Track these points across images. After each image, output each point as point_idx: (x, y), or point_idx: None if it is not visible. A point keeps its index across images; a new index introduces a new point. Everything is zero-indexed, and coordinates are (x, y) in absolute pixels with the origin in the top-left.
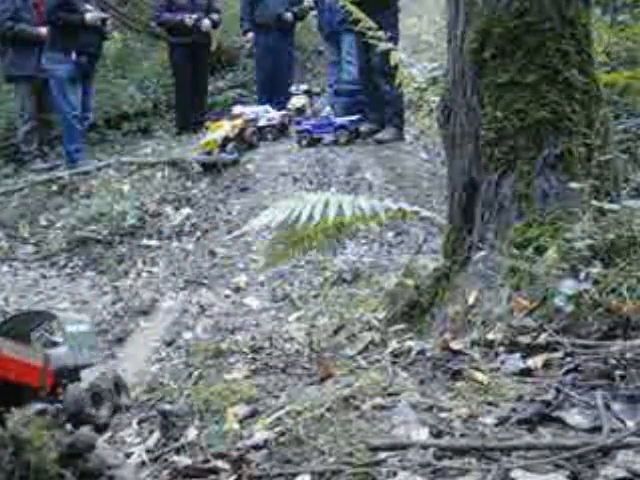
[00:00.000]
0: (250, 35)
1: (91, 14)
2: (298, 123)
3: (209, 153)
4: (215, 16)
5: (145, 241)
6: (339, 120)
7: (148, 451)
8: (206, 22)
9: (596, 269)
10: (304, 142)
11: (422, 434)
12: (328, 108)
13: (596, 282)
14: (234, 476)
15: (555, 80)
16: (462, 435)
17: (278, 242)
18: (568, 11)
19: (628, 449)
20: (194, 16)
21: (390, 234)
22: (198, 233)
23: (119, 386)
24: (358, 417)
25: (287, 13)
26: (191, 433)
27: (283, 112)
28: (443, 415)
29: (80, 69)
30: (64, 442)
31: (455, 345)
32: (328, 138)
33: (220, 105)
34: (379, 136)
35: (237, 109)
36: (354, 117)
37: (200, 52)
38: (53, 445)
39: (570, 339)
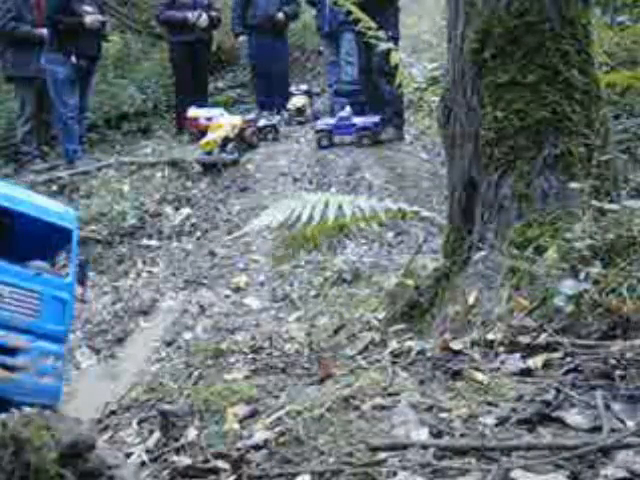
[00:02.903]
0: (242, 38)
1: (90, 17)
2: (316, 119)
3: (209, 153)
4: (215, 14)
5: (145, 241)
6: (361, 121)
7: (148, 451)
8: (204, 17)
9: (596, 269)
10: (325, 142)
11: (422, 434)
12: (348, 108)
13: (596, 282)
14: (234, 476)
15: (555, 80)
16: (462, 435)
17: (283, 244)
18: (568, 11)
19: (628, 449)
20: (196, 13)
21: (390, 234)
22: (198, 233)
23: None
24: (358, 417)
25: (279, 14)
26: (191, 433)
27: (248, 117)
28: (443, 415)
29: (79, 71)
30: (64, 442)
31: (455, 345)
32: (349, 139)
33: (220, 105)
34: (388, 136)
35: (192, 111)
36: (376, 118)
37: (200, 51)
38: (53, 445)
39: (570, 339)
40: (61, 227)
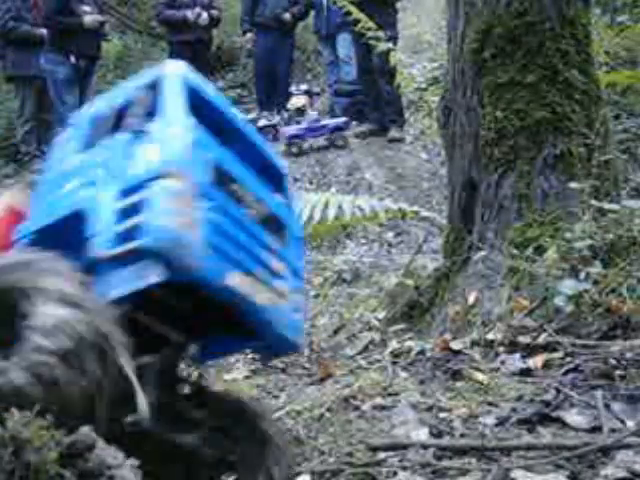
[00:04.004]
0: (249, 35)
1: (89, 17)
2: (285, 133)
3: None
4: (215, 12)
5: None
6: (331, 122)
7: None
8: (204, 15)
9: (596, 269)
10: (294, 149)
11: (422, 434)
12: (315, 113)
13: (596, 282)
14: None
15: (555, 80)
16: (462, 435)
17: None
18: (568, 11)
19: (628, 449)
20: (195, 11)
21: (390, 234)
22: None
23: None
24: (358, 417)
25: (285, 13)
26: None
27: (248, 117)
28: (443, 415)
29: (79, 71)
30: (64, 442)
31: (455, 345)
32: (320, 142)
33: None
34: (392, 135)
35: None
36: (343, 118)
37: (200, 51)
38: (53, 445)
39: (570, 339)
40: (276, 167)
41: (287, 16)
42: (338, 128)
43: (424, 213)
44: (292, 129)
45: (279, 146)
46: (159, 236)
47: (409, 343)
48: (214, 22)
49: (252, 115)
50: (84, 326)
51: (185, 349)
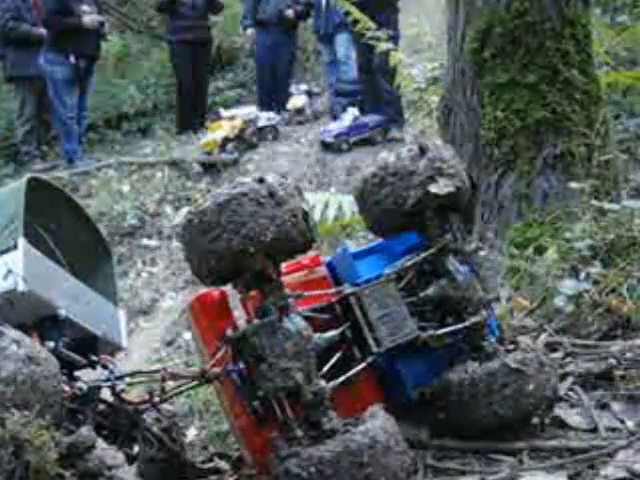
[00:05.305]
0: (250, 31)
1: (88, 17)
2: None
3: (209, 153)
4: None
5: (145, 241)
6: (372, 119)
7: None
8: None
9: (596, 269)
10: (345, 146)
11: (422, 434)
12: (352, 109)
13: (596, 282)
14: (234, 476)
15: (555, 80)
16: (462, 435)
17: None
18: (568, 11)
19: (628, 449)
20: None
21: None
22: None
23: None
24: None
25: (289, 10)
26: (191, 433)
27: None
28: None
29: (78, 71)
30: (64, 442)
31: None
32: (361, 138)
33: (220, 105)
34: (392, 135)
35: (226, 111)
36: (378, 116)
37: (201, 51)
38: (53, 445)
39: (570, 339)
40: None
41: (290, 12)
42: (378, 125)
43: None
44: (337, 127)
45: (280, 146)
46: None
47: None
48: (216, 9)
49: (252, 115)
50: None
51: None
